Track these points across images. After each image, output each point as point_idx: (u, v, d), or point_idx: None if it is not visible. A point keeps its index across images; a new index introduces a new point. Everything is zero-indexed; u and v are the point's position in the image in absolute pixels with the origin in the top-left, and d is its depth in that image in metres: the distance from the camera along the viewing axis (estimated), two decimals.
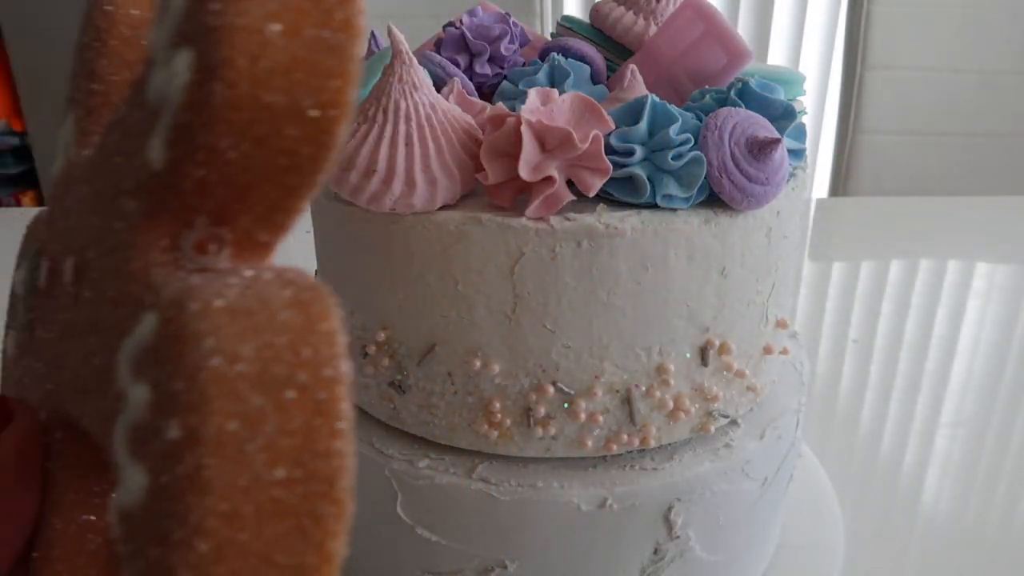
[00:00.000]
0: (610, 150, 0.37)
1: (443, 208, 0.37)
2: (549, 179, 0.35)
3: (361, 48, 0.14)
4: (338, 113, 0.14)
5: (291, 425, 0.12)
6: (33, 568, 0.17)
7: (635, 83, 0.43)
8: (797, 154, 0.42)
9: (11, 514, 0.17)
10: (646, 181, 0.36)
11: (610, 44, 0.48)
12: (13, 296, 0.25)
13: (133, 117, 0.16)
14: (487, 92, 0.46)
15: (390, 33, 0.38)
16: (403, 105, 0.37)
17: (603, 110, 0.37)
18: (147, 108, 0.15)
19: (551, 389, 0.39)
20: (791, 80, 0.45)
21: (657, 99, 0.38)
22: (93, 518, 0.18)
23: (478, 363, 0.38)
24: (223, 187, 0.14)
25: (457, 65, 0.46)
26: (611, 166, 0.36)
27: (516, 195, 0.37)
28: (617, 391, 0.39)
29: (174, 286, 0.14)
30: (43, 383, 0.19)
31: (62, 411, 0.18)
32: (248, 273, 0.13)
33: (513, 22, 0.48)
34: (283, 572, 0.12)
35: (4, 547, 0.17)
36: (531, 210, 0.35)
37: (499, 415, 0.39)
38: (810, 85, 1.81)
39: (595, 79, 0.45)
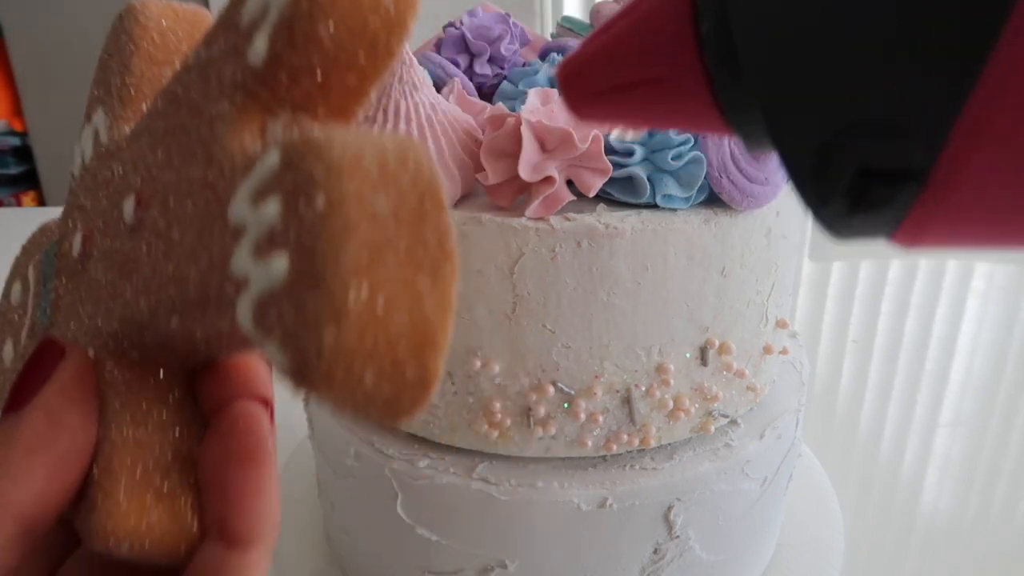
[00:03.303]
0: (610, 150, 0.37)
1: None
2: (549, 179, 0.35)
3: None
4: (409, 7, 0.17)
5: (408, 198, 0.15)
6: (94, 480, 0.19)
7: None
8: None
9: (78, 430, 0.19)
10: (646, 181, 0.36)
11: None
12: (6, 307, 0.26)
13: (215, 49, 0.19)
14: (487, 92, 0.46)
15: None
16: (403, 106, 0.37)
17: None
18: (240, 30, 0.18)
19: (551, 389, 0.39)
20: None
21: None
22: (147, 432, 0.20)
23: (478, 363, 0.38)
24: (310, 76, 0.17)
25: (457, 65, 0.46)
26: (611, 166, 0.36)
27: (516, 195, 0.37)
28: (617, 391, 0.39)
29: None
30: (87, 325, 0.21)
31: (116, 338, 0.20)
32: None
33: (513, 22, 0.48)
34: (414, 309, 0.14)
35: (75, 459, 0.19)
36: (531, 210, 0.35)
37: (499, 415, 0.39)
38: None
39: None
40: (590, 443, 0.40)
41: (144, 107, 0.23)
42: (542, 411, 0.39)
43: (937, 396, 0.76)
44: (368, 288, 0.14)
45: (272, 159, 0.15)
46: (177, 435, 0.20)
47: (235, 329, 0.17)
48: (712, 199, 0.38)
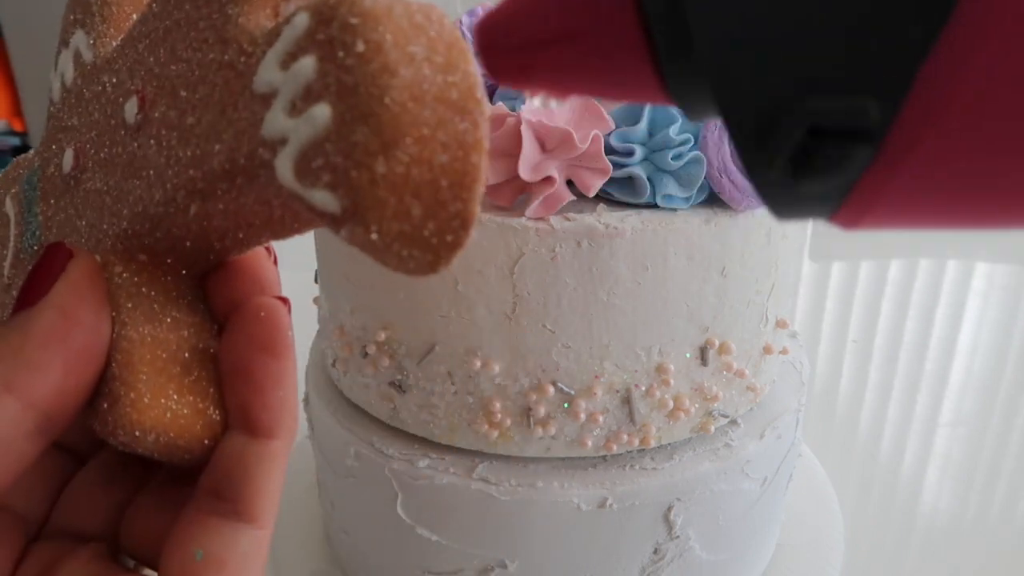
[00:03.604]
0: (610, 150, 0.37)
1: None
2: (549, 179, 0.35)
3: None
4: None
5: (438, 47, 0.15)
6: (114, 376, 0.19)
7: None
8: None
9: (91, 327, 0.19)
10: (646, 181, 0.36)
11: None
12: None
13: None
14: (487, 92, 0.46)
15: None
16: None
17: (603, 110, 0.37)
18: None
19: (551, 389, 0.39)
20: None
21: None
22: (162, 329, 0.20)
23: (478, 363, 0.38)
24: None
25: None
26: (611, 166, 0.36)
27: (516, 195, 0.37)
28: (617, 391, 0.39)
29: None
30: (88, 235, 0.21)
31: (124, 238, 0.20)
32: None
33: None
34: (454, 148, 0.15)
35: (91, 355, 0.19)
36: (531, 210, 0.35)
37: (499, 415, 0.39)
38: None
39: None
40: (590, 443, 0.40)
41: (126, 23, 0.23)
42: (542, 411, 0.39)
43: (937, 396, 0.76)
44: (412, 123, 0.15)
45: (301, 21, 0.16)
46: (193, 334, 0.20)
47: (261, 200, 0.17)
48: (712, 199, 0.38)
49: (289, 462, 0.59)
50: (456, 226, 0.16)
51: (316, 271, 0.47)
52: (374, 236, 0.15)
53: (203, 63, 0.18)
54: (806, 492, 0.58)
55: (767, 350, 0.43)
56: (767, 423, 0.44)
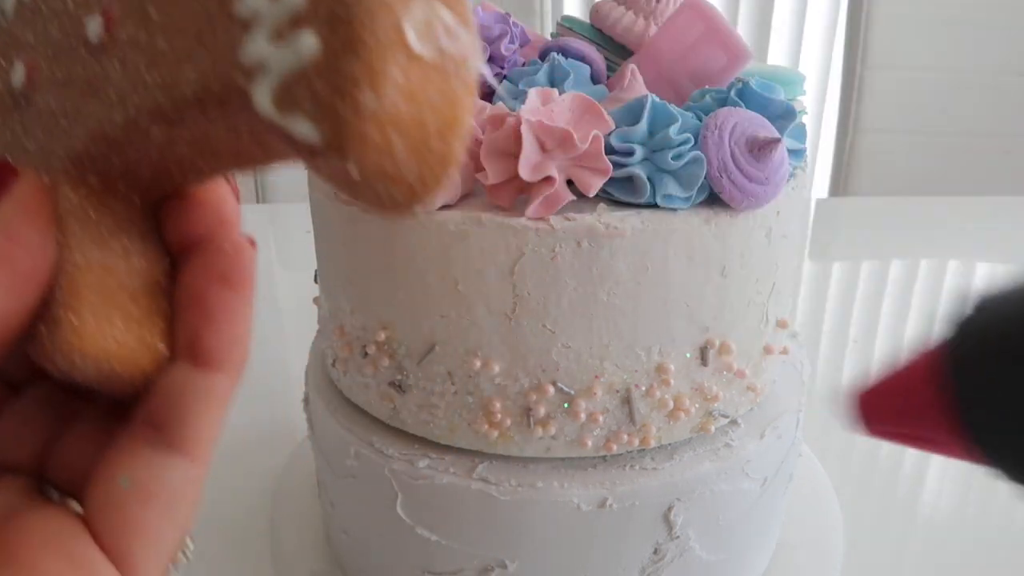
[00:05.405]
0: (610, 150, 0.37)
1: (443, 208, 0.37)
2: (549, 179, 0.35)
3: None
4: None
5: None
6: (58, 301, 0.18)
7: (635, 83, 0.43)
8: (797, 154, 0.42)
9: (36, 248, 0.18)
10: (646, 181, 0.36)
11: (610, 44, 0.48)
12: None
13: None
14: (487, 92, 0.46)
15: None
16: None
17: (603, 110, 0.37)
18: None
19: (551, 389, 0.39)
20: (791, 80, 0.45)
21: (657, 99, 0.38)
22: (112, 256, 0.19)
23: (478, 363, 0.38)
24: None
25: None
26: (611, 166, 0.36)
27: (516, 195, 0.37)
28: (617, 391, 0.39)
29: None
30: (37, 155, 0.20)
31: (77, 160, 0.19)
32: None
33: (513, 22, 0.48)
34: (442, 88, 0.15)
35: (34, 278, 0.18)
36: (531, 210, 0.35)
37: (499, 415, 0.39)
38: (810, 85, 1.79)
39: (595, 79, 0.45)
40: (590, 443, 0.40)
41: None
42: (542, 411, 0.39)
43: None
44: (405, 57, 0.14)
45: None
46: (144, 263, 0.20)
47: (230, 128, 0.17)
48: (712, 199, 0.38)
49: (289, 462, 0.59)
50: (438, 168, 0.15)
51: (316, 271, 0.47)
52: (352, 170, 0.15)
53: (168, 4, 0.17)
54: (806, 492, 0.58)
55: (767, 350, 0.43)
56: (767, 423, 0.44)
